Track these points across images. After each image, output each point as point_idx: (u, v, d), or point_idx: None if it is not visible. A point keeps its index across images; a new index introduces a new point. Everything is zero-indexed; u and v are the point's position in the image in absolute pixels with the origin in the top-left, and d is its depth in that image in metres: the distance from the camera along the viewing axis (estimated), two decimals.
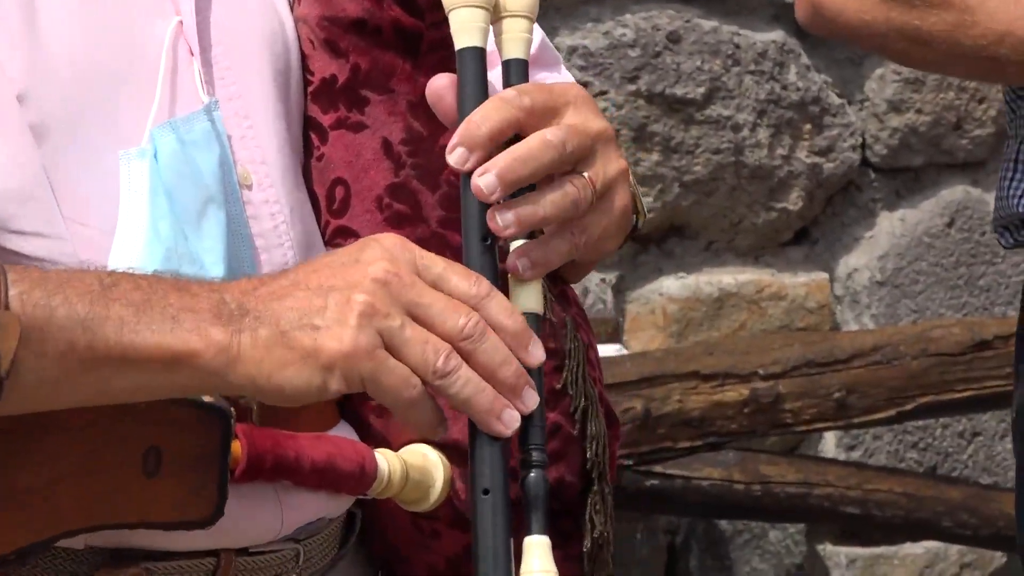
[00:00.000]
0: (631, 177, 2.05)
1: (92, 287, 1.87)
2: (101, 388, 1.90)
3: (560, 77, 2.25)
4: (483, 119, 1.88)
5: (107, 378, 1.89)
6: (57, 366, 1.86)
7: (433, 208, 2.12)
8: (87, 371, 1.88)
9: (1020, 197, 3.08)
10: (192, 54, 2.08)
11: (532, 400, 1.86)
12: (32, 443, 1.94)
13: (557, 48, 4.47)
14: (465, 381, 1.84)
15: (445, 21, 1.96)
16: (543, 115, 1.93)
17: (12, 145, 1.97)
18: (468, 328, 1.85)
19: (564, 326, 2.16)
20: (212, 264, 2.03)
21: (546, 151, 1.89)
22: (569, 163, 1.91)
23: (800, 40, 4.53)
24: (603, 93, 4.60)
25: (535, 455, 1.88)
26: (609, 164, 1.98)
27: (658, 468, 4.30)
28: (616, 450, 2.26)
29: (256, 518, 2.09)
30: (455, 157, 1.87)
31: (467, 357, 1.84)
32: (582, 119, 1.96)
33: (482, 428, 1.84)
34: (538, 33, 2.04)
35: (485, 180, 1.86)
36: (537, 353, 1.86)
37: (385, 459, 2.06)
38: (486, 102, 1.90)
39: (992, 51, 2.95)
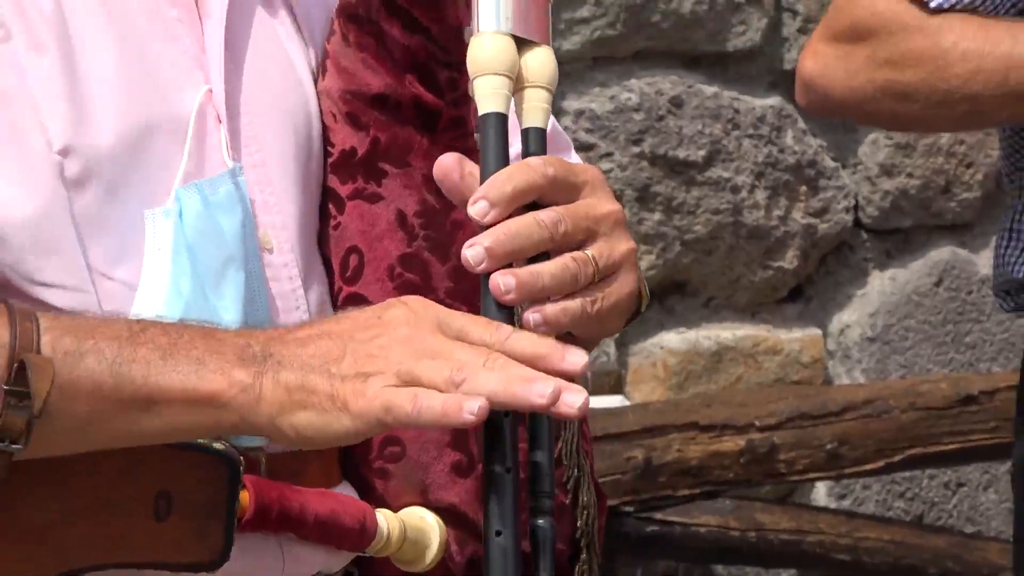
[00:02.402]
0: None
1: (121, 333, 1.87)
2: (129, 429, 1.90)
3: (572, 155, 2.25)
4: (509, 178, 1.87)
5: (135, 419, 1.89)
6: (87, 408, 1.85)
7: (442, 279, 2.12)
8: (116, 413, 1.87)
9: (1016, 264, 3.09)
10: (220, 121, 2.08)
11: (577, 357, 1.83)
12: (49, 483, 1.93)
13: (565, 111, 4.51)
14: (488, 376, 1.80)
15: (463, 99, 1.97)
16: (563, 188, 1.92)
17: (43, 199, 1.98)
18: (495, 333, 1.84)
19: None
20: (230, 322, 2.02)
21: (535, 230, 1.88)
22: (563, 243, 1.88)
23: (797, 106, 4.54)
24: (608, 155, 4.60)
25: (545, 502, 1.86)
26: (617, 245, 1.97)
27: (658, 515, 4.28)
28: (604, 523, 2.25)
29: (259, 568, 2.09)
30: (477, 209, 1.84)
31: (507, 352, 1.83)
32: (595, 200, 1.95)
33: (522, 405, 1.78)
34: (551, 119, 2.01)
35: (473, 251, 1.85)
36: (576, 359, 1.82)
37: (385, 518, 2.05)
38: (513, 165, 1.89)
39: (967, 89, 2.95)
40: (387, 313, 1.89)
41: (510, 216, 1.87)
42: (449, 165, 1.93)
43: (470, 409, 1.75)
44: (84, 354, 1.85)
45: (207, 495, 2.00)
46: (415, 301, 1.90)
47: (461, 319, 1.86)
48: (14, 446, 1.83)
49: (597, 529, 2.21)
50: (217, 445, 1.98)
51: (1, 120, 1.98)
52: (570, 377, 1.79)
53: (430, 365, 1.80)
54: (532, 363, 1.81)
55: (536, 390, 1.77)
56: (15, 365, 1.81)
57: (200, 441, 1.97)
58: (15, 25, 1.99)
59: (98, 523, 1.97)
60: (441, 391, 1.78)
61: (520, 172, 1.88)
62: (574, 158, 2.26)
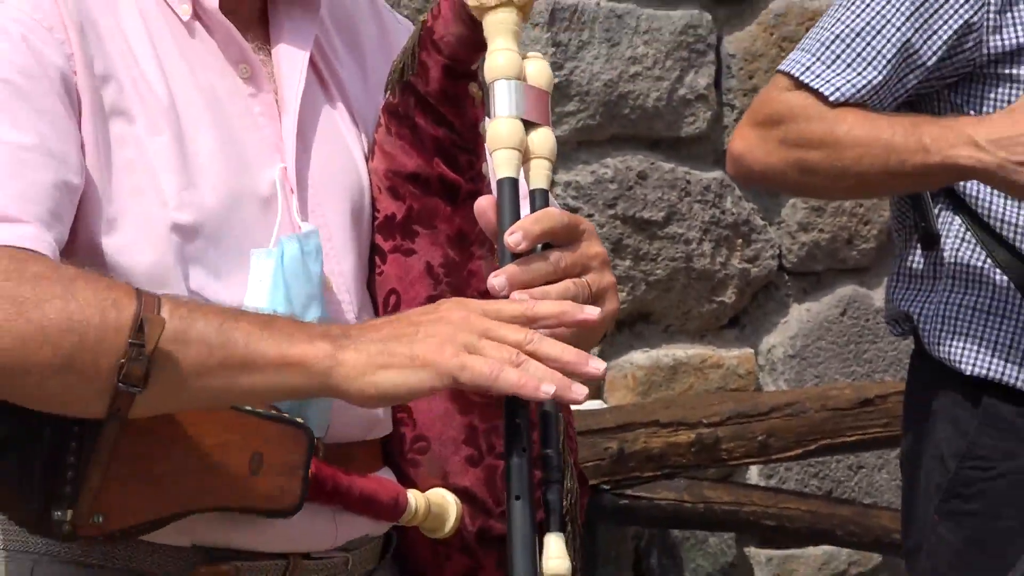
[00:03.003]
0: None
1: (226, 311, 1.87)
2: (228, 386, 1.86)
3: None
4: (537, 221, 1.88)
5: (234, 377, 1.85)
6: (194, 364, 1.82)
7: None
8: (218, 369, 1.84)
9: (902, 300, 3.09)
10: (292, 191, 2.08)
11: (598, 364, 1.82)
12: (166, 441, 1.92)
13: (556, 182, 4.52)
14: (536, 367, 1.78)
15: (478, 176, 1.99)
16: (570, 233, 1.93)
17: (159, 246, 1.99)
18: (528, 335, 1.80)
19: None
20: None
21: (543, 265, 1.88)
22: (564, 275, 1.89)
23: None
24: (589, 215, 4.59)
25: (554, 474, 1.88)
26: (604, 277, 1.96)
27: (628, 492, 4.28)
28: (585, 503, 2.25)
29: (317, 531, 2.08)
30: (513, 239, 1.84)
31: (534, 355, 1.79)
32: (589, 244, 1.95)
33: (561, 400, 1.79)
34: None
35: (498, 280, 1.85)
36: (597, 364, 1.82)
37: (414, 497, 2.07)
38: (540, 211, 1.90)
39: (857, 168, 2.93)
40: (442, 306, 1.88)
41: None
42: (485, 205, 1.94)
43: (547, 390, 1.75)
44: (195, 319, 1.84)
45: (289, 458, 2.00)
46: (459, 299, 1.90)
47: (495, 304, 1.85)
48: (134, 388, 1.81)
49: (580, 508, 2.18)
50: (298, 419, 1.98)
51: (128, 184, 1.98)
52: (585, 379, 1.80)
53: (493, 345, 1.79)
54: (563, 365, 1.79)
55: (575, 390, 1.77)
56: (138, 324, 1.79)
57: (285, 414, 1.97)
58: (138, 112, 2.02)
59: (205, 475, 1.96)
60: (509, 355, 1.78)
61: (546, 217, 1.89)
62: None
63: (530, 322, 1.83)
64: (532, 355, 1.79)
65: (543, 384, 1.76)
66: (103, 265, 1.96)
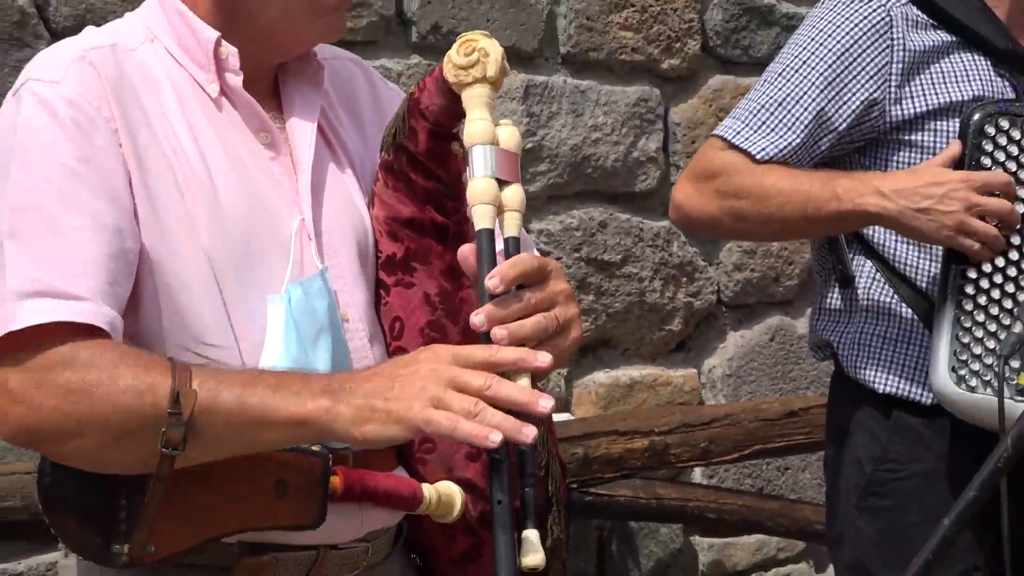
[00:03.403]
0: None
1: (245, 377, 1.89)
2: (251, 441, 1.91)
3: (532, 252, 2.24)
4: (513, 266, 1.90)
5: (256, 434, 1.90)
6: (222, 426, 1.86)
7: (455, 335, 2.10)
8: (241, 430, 1.89)
9: (823, 330, 3.08)
10: (310, 239, 2.08)
11: (547, 402, 1.84)
12: (205, 477, 1.93)
13: (530, 230, 4.51)
14: (492, 414, 1.80)
15: (463, 219, 2.01)
16: (538, 274, 1.94)
17: (206, 291, 2.00)
18: (487, 381, 1.82)
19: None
20: (322, 369, 2.03)
21: (517, 304, 1.90)
22: (534, 310, 1.91)
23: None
24: (559, 258, 4.59)
25: (530, 479, 1.90)
26: (568, 310, 1.97)
27: (592, 490, 4.28)
28: (566, 486, 2.26)
29: (345, 525, 2.08)
30: (492, 283, 1.87)
31: (491, 401, 1.81)
32: (555, 282, 1.96)
33: (512, 440, 1.81)
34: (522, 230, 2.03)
35: (479, 319, 1.88)
36: (545, 404, 1.84)
37: (427, 489, 2.05)
38: (514, 258, 1.91)
39: (780, 215, 2.92)
40: (419, 355, 1.91)
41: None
42: (467, 251, 1.97)
43: (494, 439, 1.79)
44: (220, 390, 1.87)
45: (308, 481, 2.01)
46: (436, 346, 1.93)
47: (466, 352, 1.87)
48: (174, 451, 1.85)
49: (562, 489, 2.18)
50: (314, 448, 1.99)
51: (174, 235, 2.00)
52: (535, 419, 1.84)
53: (456, 397, 1.82)
54: (517, 406, 1.83)
55: (525, 431, 1.80)
56: (174, 397, 1.81)
57: (303, 446, 1.98)
58: (177, 174, 2.02)
59: (238, 505, 1.98)
60: (463, 416, 1.81)
61: (520, 263, 1.91)
62: (533, 249, 2.26)
63: (494, 367, 1.85)
64: (492, 399, 1.82)
65: (491, 434, 1.78)
66: (168, 301, 1.99)
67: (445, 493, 2.06)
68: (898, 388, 2.97)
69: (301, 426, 1.88)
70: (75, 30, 2.18)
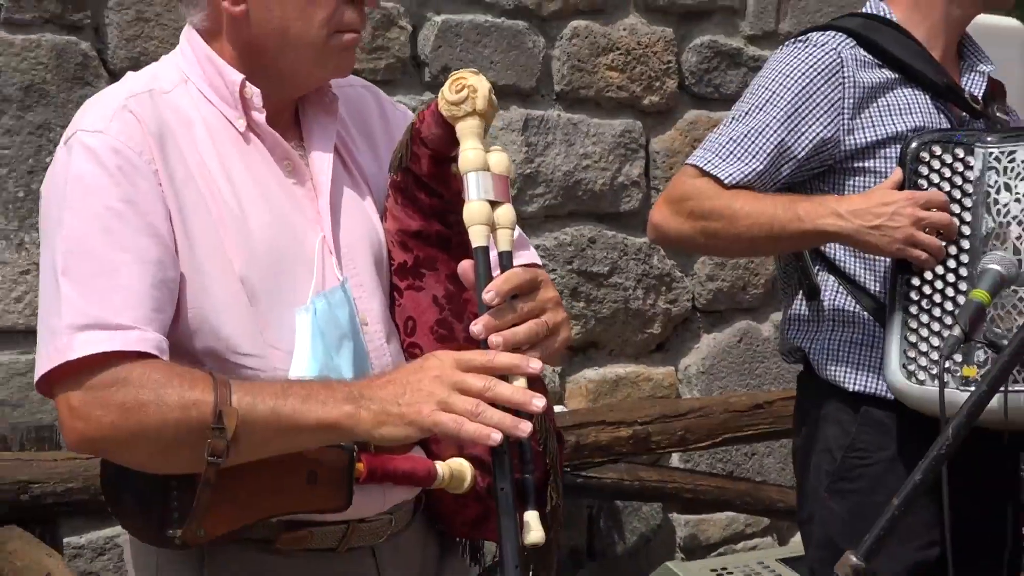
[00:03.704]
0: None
1: (277, 389, 1.92)
2: (284, 445, 1.94)
3: (530, 252, 2.27)
4: (506, 280, 1.92)
5: (289, 439, 1.94)
6: (259, 434, 1.90)
7: (461, 332, 2.10)
8: (276, 436, 1.93)
9: (794, 338, 3.09)
10: (331, 253, 2.09)
11: (539, 402, 1.87)
12: (246, 469, 1.95)
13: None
14: (492, 413, 1.84)
15: (464, 231, 1.99)
16: (530, 285, 1.96)
17: (238, 310, 2.01)
18: (487, 383, 1.86)
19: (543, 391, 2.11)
20: (345, 371, 2.04)
21: (511, 314, 1.92)
22: (528, 318, 1.94)
23: None
24: (553, 270, 4.59)
25: (528, 466, 1.94)
26: (557, 315, 2.00)
27: (583, 473, 4.29)
28: (563, 458, 2.28)
29: (371, 501, 2.09)
30: (488, 297, 1.89)
31: (490, 401, 1.85)
32: (545, 291, 1.99)
33: (510, 435, 1.84)
34: (517, 228, 2.05)
35: (477, 328, 1.90)
36: (538, 403, 1.87)
37: (441, 467, 2.07)
38: (508, 272, 1.94)
39: (748, 234, 2.92)
40: (426, 363, 1.93)
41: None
42: (466, 266, 1.99)
43: (495, 438, 1.83)
44: (256, 403, 1.92)
45: (336, 472, 2.03)
46: (441, 353, 1.94)
47: (468, 356, 1.90)
48: (219, 460, 1.89)
49: (559, 462, 2.19)
50: (341, 442, 2.00)
51: (210, 260, 2.02)
52: (529, 415, 1.88)
53: (460, 399, 1.85)
54: (513, 405, 1.86)
55: (522, 427, 1.84)
56: (217, 413, 1.86)
57: None
58: (211, 204, 2.07)
59: (275, 492, 2.00)
60: (467, 417, 1.85)
61: (513, 277, 1.93)
62: (531, 249, 2.30)
63: (492, 372, 1.88)
64: (491, 400, 1.86)
65: (492, 433, 1.82)
66: (198, 329, 2.01)
67: (457, 469, 2.07)
68: (865, 386, 2.98)
69: (328, 430, 1.92)
70: (132, 70, 2.17)
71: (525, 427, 1.85)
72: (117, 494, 1.99)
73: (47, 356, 1.91)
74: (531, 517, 1.89)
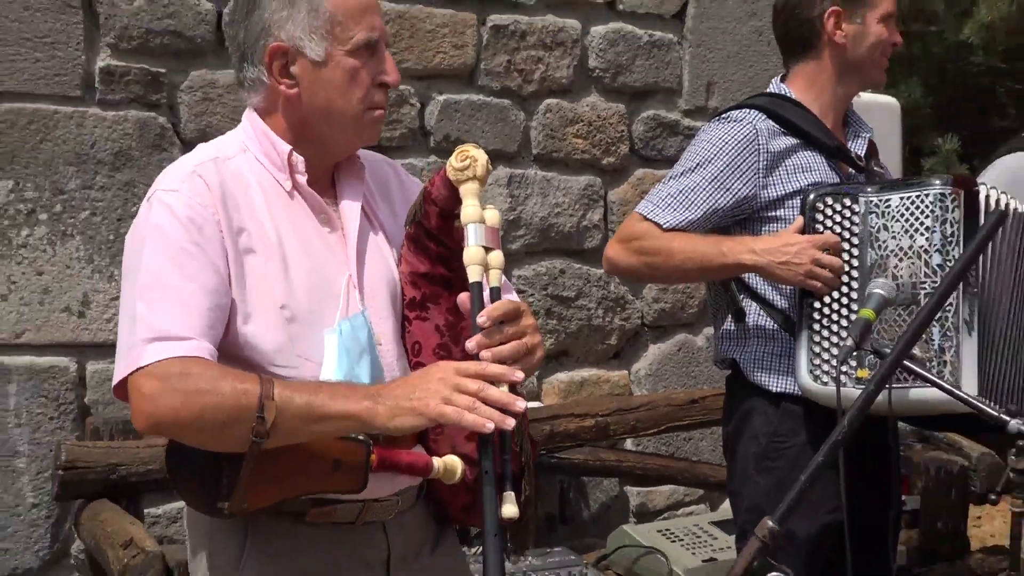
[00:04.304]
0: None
1: (309, 387, 1.93)
2: (314, 431, 1.93)
3: (512, 293, 2.24)
4: (495, 309, 1.93)
5: (318, 426, 1.92)
6: (294, 423, 1.89)
7: (458, 354, 2.07)
8: (308, 424, 1.91)
9: (727, 351, 3.09)
10: (355, 288, 2.09)
11: (521, 404, 1.88)
12: (284, 454, 1.93)
13: (510, 277, 4.48)
14: (485, 409, 1.85)
15: (463, 273, 1.99)
16: (515, 314, 1.96)
17: (278, 331, 2.01)
18: (481, 387, 1.87)
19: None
20: (364, 379, 2.04)
21: (498, 334, 1.94)
22: (511, 339, 1.94)
23: None
24: (531, 296, 4.57)
25: (506, 456, 1.90)
26: (534, 339, 1.99)
27: (556, 455, 4.26)
28: (536, 456, 2.28)
29: (382, 485, 2.08)
30: (481, 320, 1.91)
31: (483, 400, 1.86)
32: (527, 318, 1.99)
33: (499, 426, 1.85)
34: (504, 278, 2.04)
35: (471, 345, 1.92)
36: (521, 404, 1.88)
37: (436, 462, 2.05)
38: (498, 303, 1.95)
39: (683, 267, 2.95)
40: (431, 369, 1.94)
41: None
42: (464, 299, 1.99)
43: (488, 427, 1.85)
44: (292, 398, 1.90)
45: (355, 459, 2.00)
46: (442, 363, 1.97)
47: (465, 365, 1.92)
48: (261, 440, 1.88)
49: (532, 458, 2.17)
50: (360, 436, 1.99)
51: (256, 294, 2.05)
52: (514, 413, 1.88)
53: (460, 396, 1.86)
54: (500, 404, 1.87)
55: (507, 421, 1.86)
56: (261, 402, 1.86)
57: (351, 435, 1.98)
58: (260, 249, 2.10)
59: (306, 474, 1.98)
60: (466, 410, 1.86)
61: (501, 306, 1.96)
62: (514, 292, 2.27)
63: (484, 378, 1.89)
64: (484, 399, 1.86)
65: (487, 423, 1.84)
66: (246, 344, 2.00)
67: (449, 464, 2.06)
68: (784, 387, 2.99)
69: (351, 420, 1.91)
70: (199, 139, 2.18)
71: (510, 422, 1.86)
72: (178, 471, 1.98)
73: (124, 366, 1.92)
74: (509, 496, 1.88)
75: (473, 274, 1.95)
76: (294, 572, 2.06)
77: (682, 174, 2.99)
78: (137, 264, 1.96)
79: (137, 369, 1.89)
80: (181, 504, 3.86)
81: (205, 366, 1.89)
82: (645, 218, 2.97)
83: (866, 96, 3.36)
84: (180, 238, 1.95)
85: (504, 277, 2.04)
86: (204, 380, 1.87)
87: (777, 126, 3.01)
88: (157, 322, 1.90)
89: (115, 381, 1.95)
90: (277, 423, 1.86)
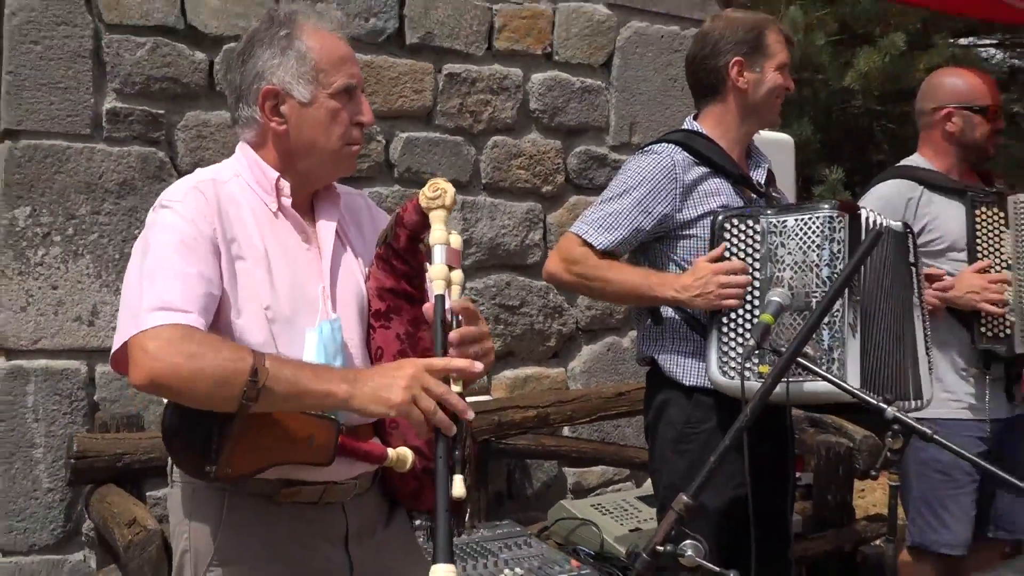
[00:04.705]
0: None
1: (297, 364, 1.91)
2: (297, 404, 1.89)
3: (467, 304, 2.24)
4: (465, 331, 1.95)
5: (300, 399, 1.88)
6: (281, 391, 1.87)
7: (418, 356, 2.05)
8: (292, 396, 1.87)
9: (647, 350, 3.09)
10: (328, 297, 2.07)
11: (471, 414, 1.88)
12: (266, 426, 1.90)
13: (466, 289, 4.45)
14: (441, 415, 1.84)
15: (424, 290, 2.02)
16: (476, 318, 1.97)
17: (263, 328, 1.98)
18: (444, 389, 1.85)
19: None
20: None
21: (460, 338, 1.94)
22: (472, 343, 1.94)
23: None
24: (482, 304, 4.56)
25: (456, 450, 1.88)
26: (487, 344, 1.98)
27: (503, 441, 4.24)
28: (476, 451, 2.31)
29: (342, 469, 2.06)
30: (453, 338, 1.92)
31: (441, 404, 1.84)
32: (483, 324, 1.99)
33: (445, 432, 1.85)
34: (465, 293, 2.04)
35: (446, 363, 1.91)
36: (471, 414, 1.89)
37: (390, 452, 2.05)
38: (467, 328, 1.94)
39: (617, 294, 2.98)
40: (403, 366, 1.91)
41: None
42: (427, 308, 1.97)
43: (450, 429, 1.84)
44: (282, 370, 1.85)
45: (327, 437, 1.97)
46: (414, 359, 1.94)
47: (437, 365, 1.91)
48: (251, 402, 1.83)
49: (472, 455, 2.13)
50: (332, 416, 1.96)
51: (244, 295, 2.02)
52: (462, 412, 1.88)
53: (425, 398, 1.85)
54: (455, 409, 1.87)
55: (468, 415, 1.87)
56: (254, 368, 1.82)
57: (325, 414, 1.95)
58: (248, 258, 2.08)
59: (285, 446, 1.95)
60: (426, 413, 1.85)
61: (471, 331, 1.95)
62: (468, 301, 2.27)
63: (449, 372, 1.88)
64: (443, 402, 1.85)
65: (452, 426, 1.85)
66: (234, 336, 1.97)
67: (401, 454, 2.05)
68: (696, 381, 2.99)
69: (330, 398, 1.87)
70: (193, 170, 2.17)
71: (455, 426, 1.86)
72: (173, 440, 1.93)
73: (127, 330, 1.86)
74: (457, 479, 1.86)
75: (437, 287, 1.93)
76: (263, 544, 2.04)
77: (611, 199, 3.00)
78: (143, 250, 1.94)
79: (141, 332, 1.83)
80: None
81: (204, 334, 1.85)
82: (582, 240, 2.98)
83: (765, 133, 3.39)
84: (184, 233, 1.93)
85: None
86: (205, 344, 1.83)
87: (691, 158, 3.02)
88: (162, 294, 1.86)
89: (115, 347, 1.89)
90: (266, 388, 1.82)
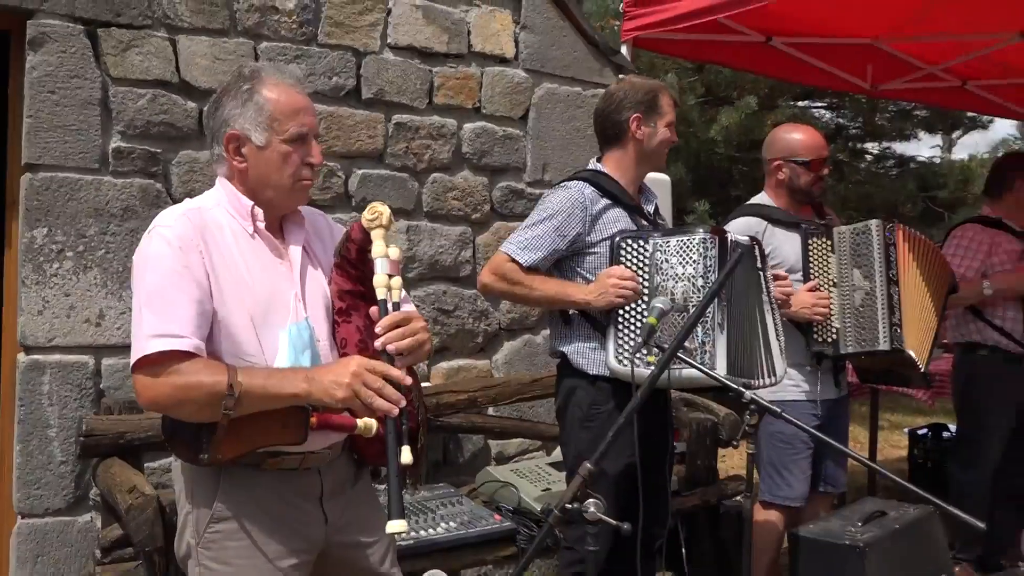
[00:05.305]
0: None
1: (265, 373, 1.86)
2: (268, 405, 1.87)
3: (410, 304, 2.20)
4: (391, 318, 1.92)
5: (270, 402, 1.86)
6: (253, 399, 1.84)
7: (371, 347, 2.01)
8: (263, 401, 1.85)
9: (557, 345, 3.08)
10: (300, 301, 2.04)
11: (395, 412, 1.86)
12: (248, 420, 1.89)
13: (411, 295, 4.41)
14: (382, 402, 1.82)
15: (373, 291, 1.97)
16: (406, 320, 1.94)
17: (248, 330, 1.93)
18: (379, 384, 1.83)
19: (414, 376, 2.04)
20: (306, 365, 1.97)
21: (397, 334, 1.92)
22: (407, 336, 1.92)
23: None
24: (424, 309, 4.50)
25: (405, 421, 1.86)
26: (424, 335, 1.97)
27: (440, 419, 4.19)
28: (427, 420, 2.25)
29: (318, 440, 2.02)
30: (378, 331, 1.92)
31: (379, 393, 1.82)
32: (418, 321, 1.96)
33: (388, 414, 1.83)
34: (403, 290, 2.00)
35: (378, 343, 1.91)
36: (402, 403, 1.87)
37: (359, 422, 1.99)
38: (394, 314, 1.92)
39: (539, 301, 2.98)
40: (348, 364, 1.87)
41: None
42: (374, 310, 1.95)
43: (392, 412, 1.82)
44: (252, 381, 1.84)
45: (298, 422, 1.93)
46: (358, 358, 1.89)
47: (372, 364, 1.87)
48: (230, 412, 1.83)
49: (425, 418, 2.13)
50: (301, 405, 1.91)
51: (230, 303, 1.96)
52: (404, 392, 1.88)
53: (365, 391, 1.84)
54: (392, 399, 1.86)
55: (394, 411, 1.86)
56: (229, 385, 1.81)
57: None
58: (232, 273, 2.06)
59: (265, 432, 1.90)
60: (365, 401, 1.84)
61: (396, 315, 1.93)
62: (411, 302, 2.23)
63: (388, 377, 1.87)
64: (380, 394, 1.84)
65: (393, 408, 1.84)
66: (227, 336, 1.92)
67: (367, 424, 2.00)
68: (598, 371, 3.00)
69: (294, 398, 1.86)
70: (183, 198, 2.11)
71: (395, 411, 1.85)
72: (170, 434, 1.93)
73: (135, 354, 1.88)
74: (405, 450, 1.85)
75: (380, 293, 1.95)
76: (253, 503, 2.01)
77: (533, 225, 3.01)
78: (141, 281, 1.91)
79: (142, 357, 1.84)
80: (171, 459, 3.75)
81: (192, 361, 1.84)
82: (510, 258, 2.98)
83: (651, 174, 3.41)
84: (174, 262, 1.89)
85: (404, 292, 2.02)
86: (190, 375, 1.82)
87: (597, 192, 3.04)
88: (159, 324, 1.85)
89: (131, 364, 1.89)
90: (240, 399, 1.83)
